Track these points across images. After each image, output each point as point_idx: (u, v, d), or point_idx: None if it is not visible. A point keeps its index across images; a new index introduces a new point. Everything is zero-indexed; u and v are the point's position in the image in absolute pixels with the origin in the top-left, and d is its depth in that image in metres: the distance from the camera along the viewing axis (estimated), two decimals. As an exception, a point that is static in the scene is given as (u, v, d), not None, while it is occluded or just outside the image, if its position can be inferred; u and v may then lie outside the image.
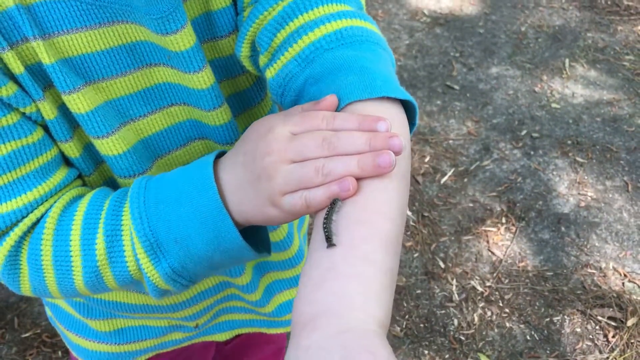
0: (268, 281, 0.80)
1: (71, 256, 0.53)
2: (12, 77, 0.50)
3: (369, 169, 0.45)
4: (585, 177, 2.08)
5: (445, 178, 2.10)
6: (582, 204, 2.00)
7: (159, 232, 0.51)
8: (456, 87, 2.44)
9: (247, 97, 0.68)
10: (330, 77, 0.51)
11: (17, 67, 0.49)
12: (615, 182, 2.06)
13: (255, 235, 0.56)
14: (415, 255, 1.88)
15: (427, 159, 2.17)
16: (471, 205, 2.02)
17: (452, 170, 2.13)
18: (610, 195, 2.02)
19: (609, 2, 2.87)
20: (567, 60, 2.55)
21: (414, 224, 1.97)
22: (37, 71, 0.51)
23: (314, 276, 0.41)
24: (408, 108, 0.52)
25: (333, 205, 0.44)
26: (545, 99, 2.39)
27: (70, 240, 0.53)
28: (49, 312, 0.84)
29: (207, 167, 0.51)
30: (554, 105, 2.36)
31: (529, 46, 2.63)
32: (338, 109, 0.49)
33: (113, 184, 0.61)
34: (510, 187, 2.07)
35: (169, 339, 0.82)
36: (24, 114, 0.52)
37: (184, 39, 0.55)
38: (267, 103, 0.71)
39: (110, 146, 0.57)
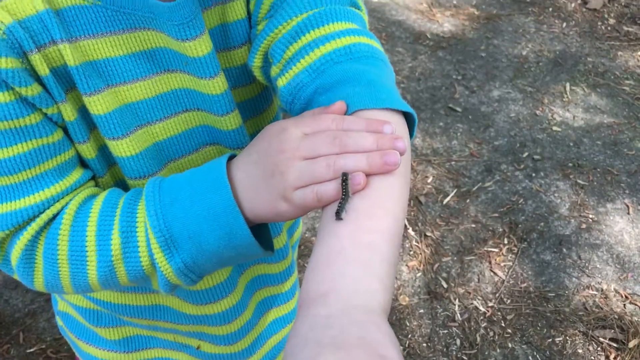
0: (259, 299, 0.82)
1: (86, 251, 0.55)
2: (37, 79, 0.52)
3: (378, 166, 0.47)
4: (587, 200, 2.10)
5: (448, 199, 2.11)
6: (584, 225, 2.01)
7: (174, 229, 0.53)
8: (458, 109, 2.47)
9: (255, 104, 0.70)
10: (339, 87, 0.54)
11: (42, 69, 0.51)
12: (616, 205, 2.08)
13: (260, 237, 0.57)
14: (418, 274, 1.89)
15: (429, 180, 2.18)
16: (473, 225, 2.03)
17: (455, 191, 2.14)
18: (611, 218, 2.04)
19: (609, 28, 2.91)
20: (567, 84, 2.58)
21: (416, 244, 1.98)
22: (61, 73, 0.53)
23: (324, 256, 0.44)
24: (408, 120, 0.55)
25: (345, 180, 0.46)
26: (547, 122, 2.41)
27: (86, 236, 0.55)
28: (59, 322, 0.85)
29: (220, 166, 0.53)
30: (555, 128, 2.38)
31: (530, 70, 2.67)
32: (346, 115, 0.52)
33: (123, 185, 0.63)
34: (512, 208, 2.08)
35: (175, 357, 0.82)
36: (45, 114, 0.54)
37: (201, 46, 0.57)
38: (272, 110, 0.73)
39: (123, 148, 0.59)
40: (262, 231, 0.58)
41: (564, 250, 1.94)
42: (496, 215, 2.06)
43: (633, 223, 2.01)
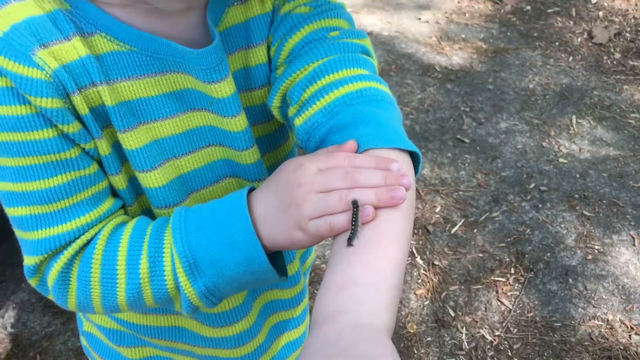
0: (272, 323, 0.86)
1: (117, 274, 0.60)
2: (78, 117, 0.57)
3: (385, 200, 0.52)
4: (593, 231, 2.13)
5: (456, 228, 2.15)
6: (590, 256, 2.04)
7: (197, 255, 0.57)
8: (466, 140, 2.51)
9: (273, 140, 0.76)
10: (351, 128, 0.59)
11: (83, 109, 0.57)
12: (622, 237, 2.10)
13: (275, 264, 0.62)
14: (426, 302, 1.92)
15: (437, 209, 2.22)
16: (481, 255, 2.06)
17: (462, 221, 2.18)
18: (617, 249, 2.06)
19: (614, 62, 2.97)
20: (574, 117, 2.63)
21: (424, 272, 2.01)
22: (99, 112, 0.59)
23: (336, 281, 0.48)
24: (413, 158, 0.60)
25: (356, 208, 0.51)
26: (553, 153, 2.45)
27: (117, 261, 0.60)
28: (84, 342, 0.90)
29: (241, 198, 0.58)
30: (561, 160, 2.42)
31: (537, 103, 2.72)
32: (357, 153, 0.57)
33: (150, 214, 0.68)
34: (519, 238, 2.11)
35: None
36: (83, 149, 0.59)
37: (225, 88, 0.63)
38: (288, 145, 0.79)
39: (152, 179, 0.64)
40: (277, 258, 0.62)
41: (570, 280, 1.97)
42: (503, 245, 2.09)
43: (638, 255, 2.04)
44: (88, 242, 0.61)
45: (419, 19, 3.29)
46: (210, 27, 0.62)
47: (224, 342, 0.81)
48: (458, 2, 3.44)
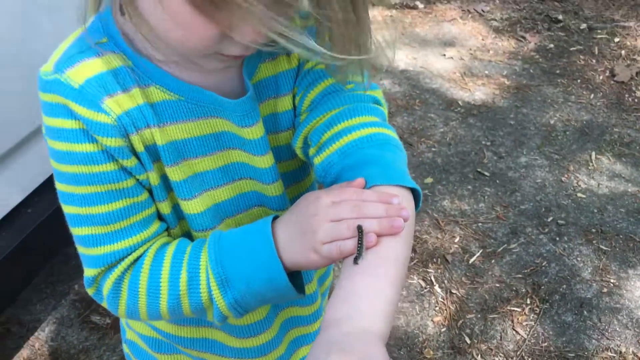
0: (292, 337, 0.96)
1: (160, 287, 0.71)
2: (135, 154, 0.69)
3: (386, 229, 0.62)
4: (608, 265, 2.18)
5: (474, 258, 2.22)
6: (605, 289, 2.09)
7: (228, 272, 0.68)
8: (487, 173, 2.60)
9: (295, 175, 0.87)
10: (361, 167, 0.70)
11: (139, 147, 0.69)
12: (637, 271, 2.15)
13: (294, 282, 0.72)
14: (443, 329, 1.99)
15: (457, 240, 2.30)
16: (497, 285, 2.13)
17: (481, 252, 2.25)
18: (632, 283, 2.11)
19: (635, 100, 3.03)
20: (593, 153, 2.69)
21: (442, 300, 2.08)
22: (151, 150, 0.71)
23: (342, 294, 0.59)
24: (415, 193, 0.70)
25: (361, 233, 0.61)
26: (572, 188, 2.52)
27: (161, 275, 0.71)
28: (126, 350, 1.01)
29: (266, 226, 0.69)
30: (579, 194, 2.48)
31: (557, 138, 2.79)
32: (364, 189, 0.67)
33: (189, 236, 0.79)
34: (536, 270, 2.17)
35: None
36: (138, 180, 0.71)
37: (256, 131, 0.74)
38: (309, 180, 0.90)
39: (191, 207, 0.75)
40: (296, 277, 0.73)
41: (585, 312, 2.02)
42: (520, 276, 2.15)
43: (654, 289, 2.08)
44: (138, 258, 0.72)
45: (444, 55, 3.40)
46: (245, 80, 0.74)
47: (249, 352, 0.92)
48: (482, 39, 3.54)
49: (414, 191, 0.70)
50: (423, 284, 2.15)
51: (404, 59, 3.36)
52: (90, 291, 0.75)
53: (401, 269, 0.62)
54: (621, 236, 2.29)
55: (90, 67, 0.66)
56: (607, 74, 3.23)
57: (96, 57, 0.67)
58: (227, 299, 0.69)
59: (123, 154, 0.68)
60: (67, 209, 0.71)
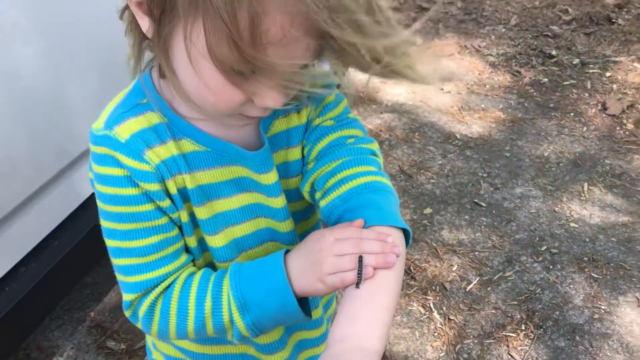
0: (296, 340, 1.07)
1: (188, 310, 0.82)
2: (169, 196, 0.82)
3: (382, 263, 0.74)
4: (600, 292, 2.28)
5: (471, 286, 2.33)
6: (596, 316, 2.19)
7: (247, 298, 0.80)
8: (483, 204, 2.71)
9: (303, 214, 0.99)
10: (360, 210, 0.81)
11: (172, 190, 0.81)
12: (628, 298, 2.25)
13: (303, 308, 0.84)
14: (442, 354, 2.08)
15: (454, 268, 2.41)
16: (494, 311, 2.23)
17: (477, 279, 2.36)
18: (623, 309, 2.21)
19: (626, 133, 3.16)
20: (585, 184, 2.81)
21: (440, 326, 2.18)
22: (182, 192, 0.83)
23: (344, 317, 0.70)
24: (406, 232, 0.82)
25: (360, 262, 0.73)
26: (565, 218, 2.63)
27: (189, 300, 0.82)
28: None
29: (279, 259, 0.80)
30: (572, 224, 2.60)
31: (551, 170, 2.91)
32: (363, 228, 0.79)
33: (211, 266, 0.91)
34: (530, 297, 2.28)
35: None
36: (170, 218, 0.83)
37: (271, 177, 0.87)
38: (314, 218, 1.02)
39: (215, 241, 0.88)
40: (304, 304, 0.84)
41: (577, 337, 2.11)
42: (515, 303, 2.26)
43: (643, 315, 2.18)
44: (169, 286, 0.84)
45: (442, 89, 3.55)
46: (262, 134, 0.86)
47: None
48: (479, 74, 3.70)
49: (404, 231, 0.82)
50: (422, 311, 2.25)
51: (403, 93, 3.50)
52: (127, 313, 0.86)
53: (394, 297, 0.74)
54: (612, 264, 2.40)
55: (134, 125, 0.79)
56: (599, 107, 3.36)
57: (139, 116, 0.80)
58: (246, 321, 0.81)
59: (160, 197, 0.80)
60: (110, 243, 0.83)
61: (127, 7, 0.75)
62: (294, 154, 0.91)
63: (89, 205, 1.86)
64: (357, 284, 0.73)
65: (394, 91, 3.52)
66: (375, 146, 0.91)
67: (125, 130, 0.78)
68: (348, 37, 0.63)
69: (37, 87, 1.60)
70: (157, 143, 0.80)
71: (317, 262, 0.76)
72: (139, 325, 0.87)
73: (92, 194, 1.87)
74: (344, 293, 0.75)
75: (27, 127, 1.59)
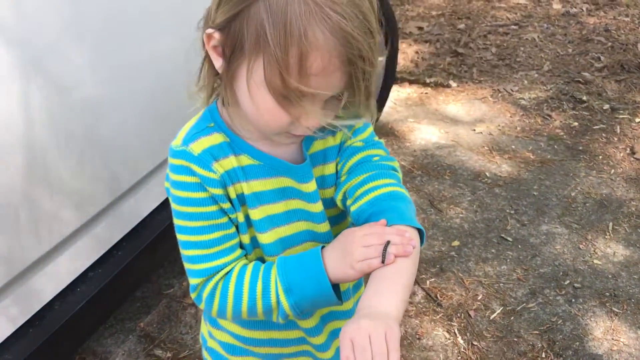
0: (331, 328, 1.24)
1: (243, 293, 1.01)
2: (229, 199, 1.02)
3: (401, 252, 0.92)
4: (620, 325, 2.38)
5: (495, 315, 2.45)
6: (615, 347, 2.28)
7: (291, 283, 0.98)
8: (509, 239, 2.84)
9: (336, 219, 1.17)
10: (383, 213, 1.00)
11: (233, 195, 1.01)
12: (647, 331, 2.34)
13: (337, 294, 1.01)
14: (464, 377, 2.21)
15: (479, 297, 2.54)
16: (515, 339, 2.35)
17: (501, 309, 2.48)
18: (641, 342, 2.29)
19: (654, 177, 3.25)
20: (610, 224, 2.92)
21: (464, 351, 2.31)
22: (240, 197, 1.03)
23: (370, 292, 0.89)
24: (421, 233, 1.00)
25: (387, 244, 0.91)
26: (589, 255, 2.74)
27: (243, 284, 1.01)
28: (206, 356, 1.31)
29: (317, 252, 0.99)
30: (596, 261, 2.70)
31: (577, 209, 3.03)
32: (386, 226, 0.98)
33: (261, 260, 1.10)
34: (552, 327, 2.39)
35: None
36: (230, 217, 1.03)
37: (311, 186, 1.06)
38: (346, 223, 1.19)
39: (264, 238, 1.07)
40: (336, 291, 1.02)
41: (596, 367, 2.21)
42: (537, 332, 2.37)
43: (661, 349, 2.26)
44: (227, 273, 1.03)
45: (474, 130, 3.72)
46: (304, 151, 1.07)
47: (309, 344, 1.21)
48: (510, 117, 3.86)
49: (419, 231, 1.00)
50: (447, 336, 2.38)
51: (437, 132, 3.69)
52: (193, 296, 1.06)
53: (410, 278, 0.92)
54: (633, 300, 2.49)
55: (205, 142, 1.00)
56: (628, 151, 3.48)
57: (208, 136, 1.01)
58: (289, 301, 0.99)
59: (223, 199, 1.00)
60: (181, 237, 1.04)
61: (206, 56, 0.96)
62: (330, 168, 1.10)
63: (146, 224, 2.09)
64: (383, 261, 0.91)
65: (428, 129, 3.71)
66: (396, 164, 1.10)
67: (198, 146, 1.00)
68: (368, 65, 0.84)
69: (110, 123, 1.85)
70: (222, 157, 1.01)
71: (348, 252, 0.95)
72: (202, 306, 1.06)
73: (148, 215, 2.10)
74: (370, 275, 0.94)
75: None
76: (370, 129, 1.12)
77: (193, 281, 1.04)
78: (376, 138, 1.13)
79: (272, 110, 0.90)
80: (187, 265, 1.05)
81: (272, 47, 0.82)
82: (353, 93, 0.89)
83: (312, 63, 0.83)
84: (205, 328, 1.31)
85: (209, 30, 0.91)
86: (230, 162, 1.02)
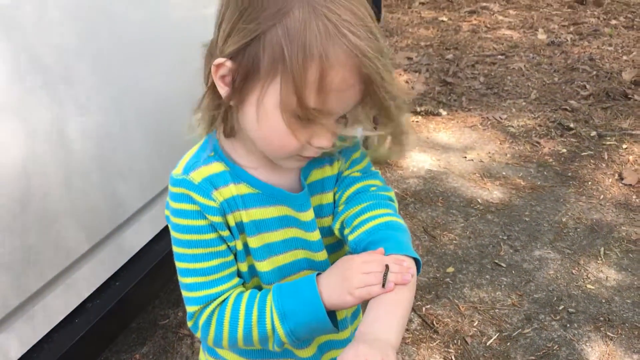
0: (328, 358, 1.24)
1: (238, 320, 1.02)
2: (228, 227, 1.03)
3: (399, 280, 0.93)
4: (615, 350, 2.38)
5: (491, 341, 2.46)
6: (611, 372, 2.29)
7: (286, 310, 0.99)
8: (503, 265, 2.86)
9: (334, 247, 1.18)
10: (381, 242, 1.01)
11: (232, 222, 1.03)
12: (642, 355, 2.34)
13: (333, 322, 1.02)
14: (461, 405, 2.20)
15: (475, 324, 2.54)
16: (512, 366, 2.35)
17: (497, 335, 2.48)
18: (637, 366, 2.30)
19: (643, 201, 3.30)
20: (602, 249, 2.95)
21: (461, 378, 2.30)
22: (239, 225, 1.05)
23: (369, 319, 0.89)
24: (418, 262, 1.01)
25: (387, 270, 0.92)
26: (582, 280, 2.76)
27: (239, 312, 1.02)
28: None
29: (312, 278, 1.00)
30: (589, 286, 2.72)
31: (569, 234, 3.06)
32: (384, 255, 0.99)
33: (258, 289, 1.11)
34: (547, 353, 2.39)
35: None
36: (228, 245, 1.04)
37: (308, 215, 1.08)
38: (343, 251, 1.20)
39: (262, 267, 1.08)
40: (332, 319, 1.03)
41: (592, 392, 2.21)
42: (533, 358, 2.37)
43: (657, 373, 2.27)
44: (223, 300, 1.04)
45: (465, 157, 3.76)
46: (302, 181, 1.09)
47: None
48: (500, 144, 3.91)
49: (416, 260, 1.02)
50: (444, 363, 2.38)
51: (428, 160, 3.73)
52: (189, 323, 1.06)
53: (408, 307, 0.93)
54: (627, 324, 2.50)
55: (205, 171, 1.02)
56: (616, 177, 3.53)
57: (208, 165, 1.03)
58: (285, 328, 1.00)
59: (222, 227, 1.02)
60: (180, 265, 1.05)
61: (210, 87, 0.98)
62: (327, 197, 1.12)
63: (140, 257, 2.09)
64: (383, 285, 0.92)
65: (419, 157, 3.75)
66: (392, 194, 1.12)
67: (198, 175, 1.02)
68: (383, 82, 0.88)
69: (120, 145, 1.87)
70: (222, 185, 1.03)
71: (346, 278, 0.96)
72: (198, 334, 1.07)
73: (143, 248, 2.10)
74: (369, 302, 0.95)
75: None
76: (367, 160, 1.14)
77: (190, 309, 1.05)
78: (373, 168, 1.15)
79: (282, 133, 0.92)
80: (185, 293, 1.06)
81: (290, 66, 0.84)
82: (366, 105, 0.93)
83: (333, 79, 0.85)
84: (203, 358, 1.31)
85: (219, 60, 0.91)
86: (230, 190, 1.03)
